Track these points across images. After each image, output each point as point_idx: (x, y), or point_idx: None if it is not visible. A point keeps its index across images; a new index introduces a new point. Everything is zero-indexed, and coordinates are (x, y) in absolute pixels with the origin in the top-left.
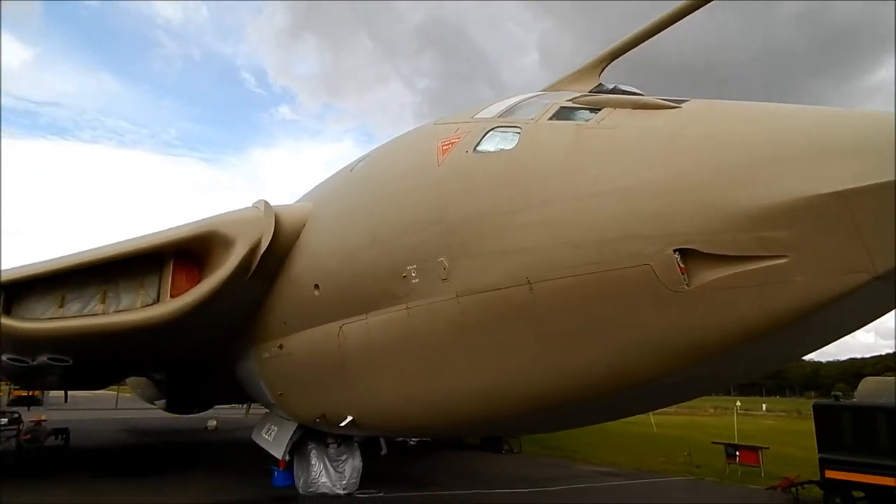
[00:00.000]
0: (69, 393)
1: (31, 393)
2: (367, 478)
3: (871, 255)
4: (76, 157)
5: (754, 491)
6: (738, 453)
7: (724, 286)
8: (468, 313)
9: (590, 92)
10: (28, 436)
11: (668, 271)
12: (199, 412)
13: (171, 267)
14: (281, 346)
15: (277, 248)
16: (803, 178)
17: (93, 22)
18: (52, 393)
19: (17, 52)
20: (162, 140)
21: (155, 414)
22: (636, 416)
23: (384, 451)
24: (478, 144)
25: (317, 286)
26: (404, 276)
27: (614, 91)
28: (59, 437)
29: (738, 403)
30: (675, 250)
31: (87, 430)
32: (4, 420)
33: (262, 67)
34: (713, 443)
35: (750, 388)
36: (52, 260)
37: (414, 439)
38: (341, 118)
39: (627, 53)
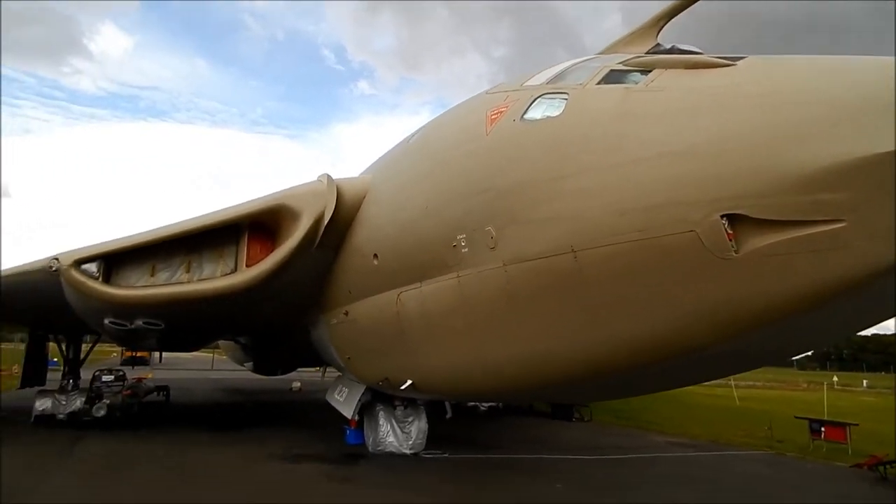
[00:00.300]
0: (171, 354)
1: (138, 354)
2: (436, 440)
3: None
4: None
5: (837, 469)
6: (822, 429)
7: (776, 252)
8: (515, 282)
9: (646, 53)
10: (129, 391)
11: (716, 238)
12: (282, 374)
13: (246, 238)
14: (346, 313)
15: (340, 220)
16: (862, 136)
17: (185, 9)
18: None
19: (119, 41)
20: (250, 118)
21: (246, 375)
22: (720, 390)
23: (449, 415)
24: (525, 112)
25: (376, 255)
26: (454, 246)
27: (672, 51)
28: (160, 393)
29: (835, 378)
30: (722, 216)
31: (185, 388)
32: (111, 377)
33: (341, 44)
34: (796, 417)
35: (852, 364)
36: (144, 232)
37: (485, 405)
38: (419, 91)
39: (694, 9)
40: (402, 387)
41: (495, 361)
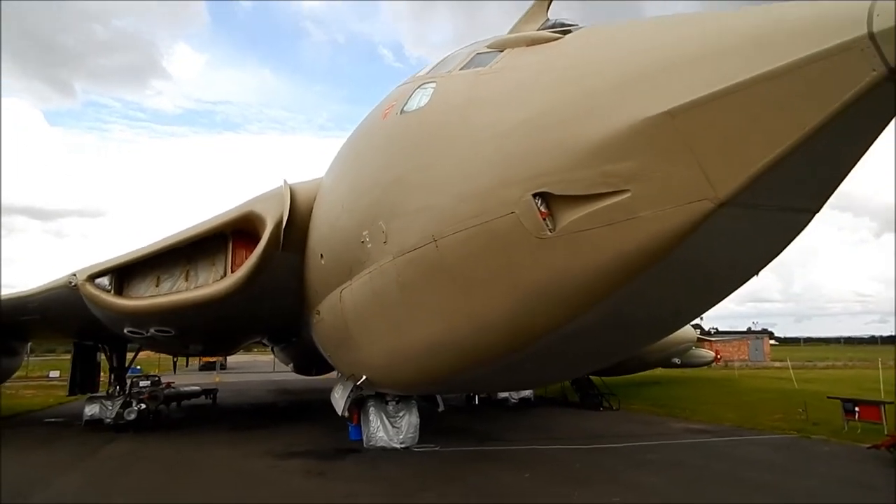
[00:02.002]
0: (240, 358)
1: (214, 359)
2: (440, 433)
3: (709, 180)
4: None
5: (855, 450)
6: (857, 409)
7: (580, 228)
8: (403, 274)
9: (538, 30)
10: (146, 395)
11: (531, 218)
12: (317, 374)
13: (230, 245)
14: (318, 313)
15: (297, 223)
16: (638, 102)
17: (250, 23)
18: (231, 359)
19: (193, 60)
20: (317, 123)
21: (298, 376)
22: (788, 373)
23: (441, 408)
24: (405, 104)
25: (322, 255)
26: (362, 242)
27: (554, 27)
28: (208, 396)
29: None
30: (534, 195)
31: (240, 390)
32: (148, 382)
33: (398, 42)
34: (828, 398)
35: None
36: (148, 245)
37: (514, 397)
38: None
39: None
40: (360, 382)
41: (407, 353)
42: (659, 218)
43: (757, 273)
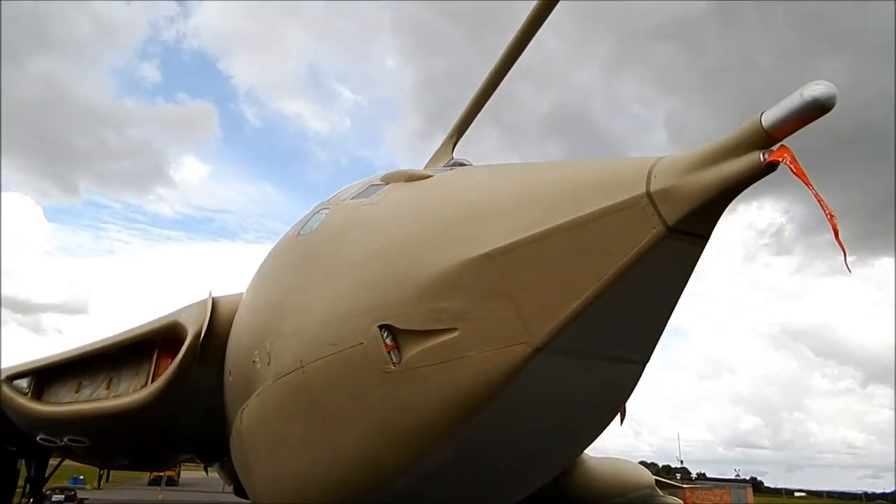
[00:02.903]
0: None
1: (167, 474)
2: None
3: (526, 324)
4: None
5: None
6: None
7: (417, 364)
8: (278, 398)
9: (443, 167)
10: None
11: (377, 350)
12: None
13: (155, 355)
14: (231, 432)
15: (218, 335)
16: (467, 242)
17: (258, 139)
18: (188, 474)
19: (197, 169)
20: None
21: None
22: None
23: None
24: (303, 227)
25: (230, 372)
26: (253, 361)
27: (452, 165)
28: None
29: None
30: (380, 326)
31: None
32: (62, 496)
33: (396, 166)
34: None
35: None
36: (73, 349)
37: None
38: None
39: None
40: None
41: (282, 485)
42: (484, 359)
43: (609, 421)
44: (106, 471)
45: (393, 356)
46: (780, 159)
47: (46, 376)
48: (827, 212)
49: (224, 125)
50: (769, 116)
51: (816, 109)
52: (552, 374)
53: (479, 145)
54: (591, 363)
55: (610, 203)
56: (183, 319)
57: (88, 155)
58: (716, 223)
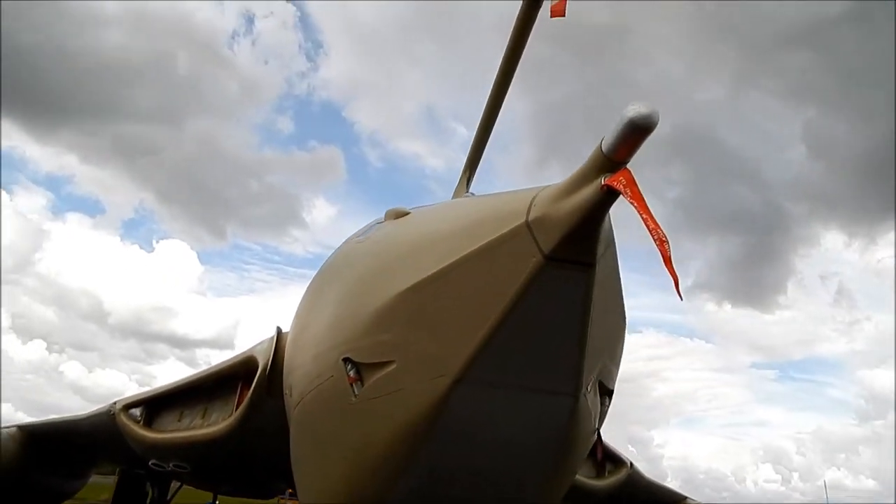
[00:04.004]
0: None
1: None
2: None
3: (445, 356)
4: None
5: None
6: None
7: (371, 396)
8: (295, 428)
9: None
10: None
11: (342, 382)
12: None
13: (239, 386)
14: None
15: (279, 368)
16: (404, 276)
17: (380, 178)
18: None
19: (326, 210)
20: None
21: None
22: None
23: None
24: (326, 264)
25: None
26: (286, 393)
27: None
28: None
29: None
30: (343, 360)
31: None
32: None
33: None
34: None
35: None
36: (177, 380)
37: None
38: None
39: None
40: None
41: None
42: (415, 391)
43: (563, 458)
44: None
45: (355, 388)
46: (615, 183)
47: (155, 406)
48: (656, 237)
49: (350, 167)
50: (607, 141)
51: (636, 131)
52: (479, 406)
53: None
54: (516, 395)
55: (497, 235)
56: (256, 353)
57: (235, 202)
58: (593, 251)
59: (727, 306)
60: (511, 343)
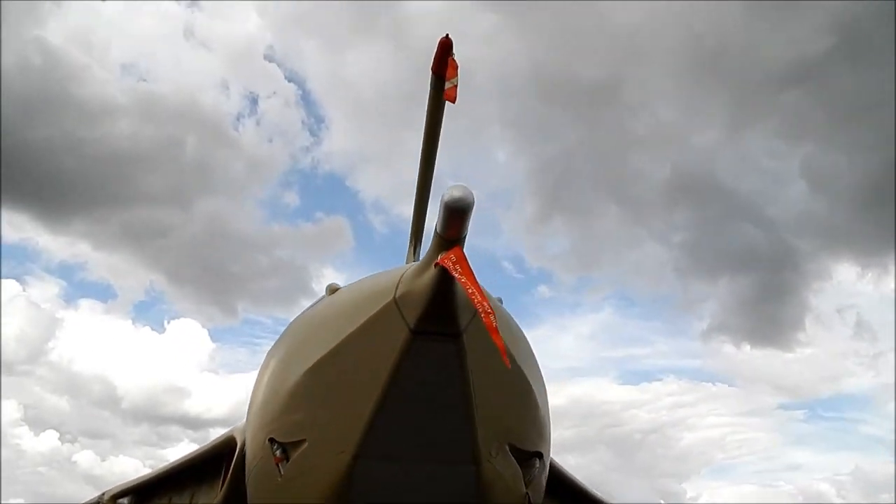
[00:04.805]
0: None
1: None
2: None
3: (342, 433)
4: None
5: None
6: None
7: (294, 475)
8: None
9: None
10: None
11: (269, 463)
12: None
13: (224, 467)
14: None
15: None
16: (310, 355)
17: (385, 243)
18: None
19: (334, 278)
20: None
21: None
22: None
23: None
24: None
25: None
26: None
27: None
28: None
29: None
30: (269, 440)
31: None
32: None
33: (518, 254)
34: None
35: None
36: (166, 464)
37: None
38: (597, 287)
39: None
40: None
41: None
42: (323, 468)
43: None
44: None
45: (280, 468)
46: (447, 262)
47: (144, 493)
48: (482, 309)
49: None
50: (438, 223)
51: (455, 212)
52: (383, 480)
53: (601, 222)
54: (415, 467)
55: (373, 312)
56: (236, 431)
57: (244, 278)
58: (453, 322)
59: (746, 347)
60: (398, 416)
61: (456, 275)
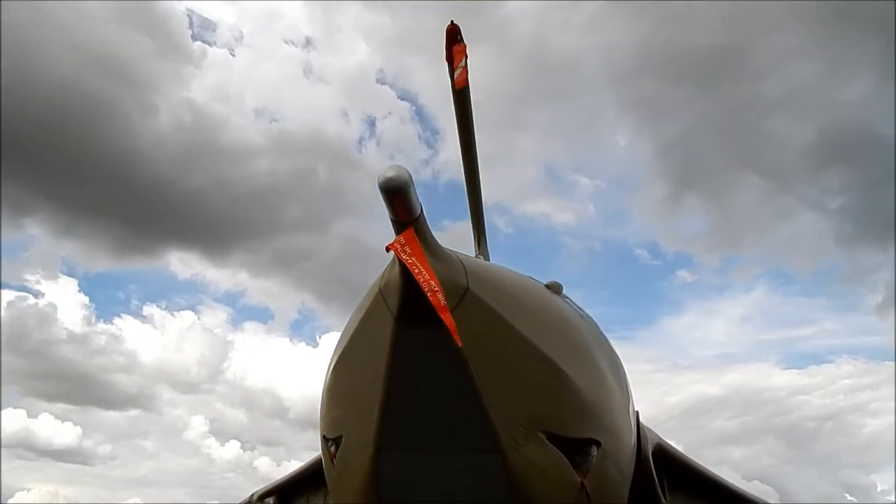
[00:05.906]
0: None
1: None
2: None
3: (364, 428)
4: None
5: None
6: None
7: (339, 470)
8: None
9: None
10: None
11: (327, 459)
12: None
13: None
14: None
15: None
16: (337, 348)
17: (512, 242)
18: None
19: None
20: None
21: None
22: None
23: None
24: None
25: None
26: None
27: None
28: None
29: None
30: (322, 437)
31: None
32: None
33: (652, 240)
34: None
35: None
36: (303, 464)
37: None
38: (746, 266)
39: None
40: None
41: None
42: (357, 461)
43: None
44: None
45: (334, 464)
46: (397, 245)
47: (286, 493)
48: (427, 288)
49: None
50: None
51: (391, 193)
52: (410, 472)
53: (742, 196)
54: (439, 458)
55: (367, 305)
56: None
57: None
58: (429, 308)
59: None
60: (405, 405)
61: (404, 257)
